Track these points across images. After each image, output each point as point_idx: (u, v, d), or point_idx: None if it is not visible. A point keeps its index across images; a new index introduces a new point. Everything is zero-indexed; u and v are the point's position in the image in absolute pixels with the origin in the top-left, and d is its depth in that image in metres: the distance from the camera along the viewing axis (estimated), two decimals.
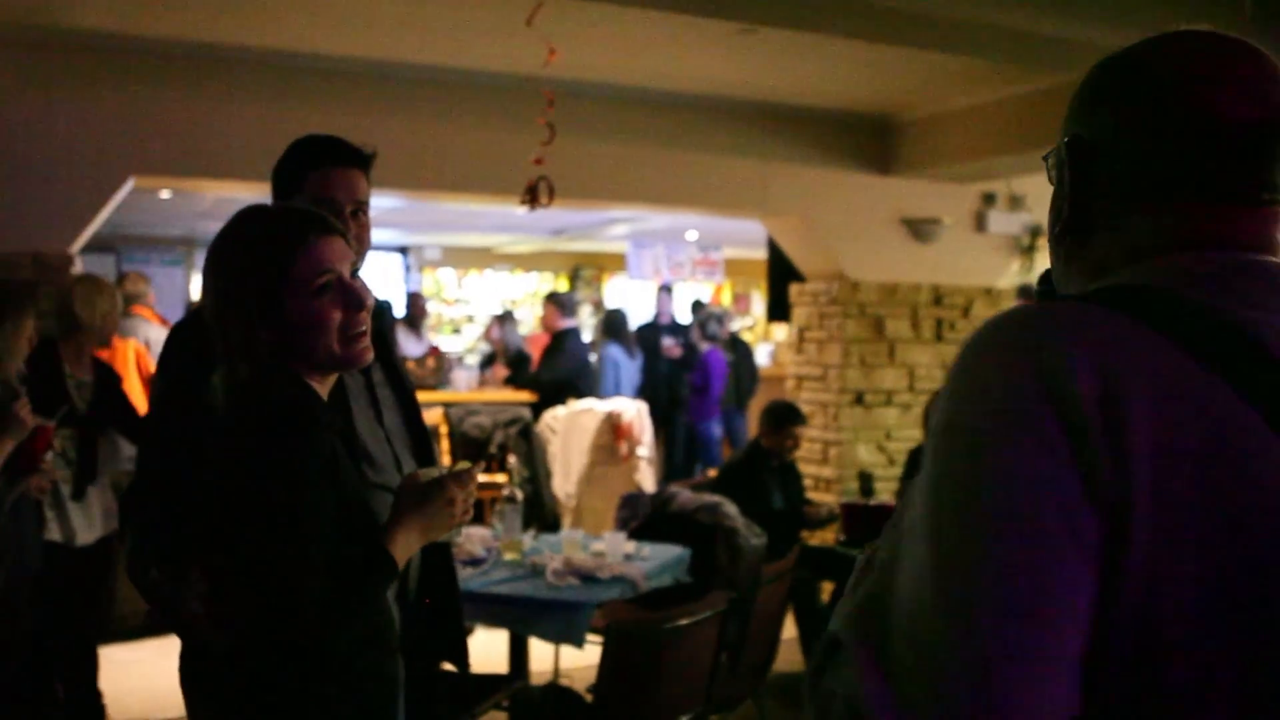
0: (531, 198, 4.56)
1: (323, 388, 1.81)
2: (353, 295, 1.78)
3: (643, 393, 9.22)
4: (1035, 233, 7.59)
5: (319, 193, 2.17)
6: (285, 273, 1.73)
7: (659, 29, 5.06)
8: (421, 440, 2.09)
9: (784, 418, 5.68)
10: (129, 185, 5.47)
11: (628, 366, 9.48)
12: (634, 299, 15.60)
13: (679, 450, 9.89)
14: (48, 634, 4.01)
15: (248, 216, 1.83)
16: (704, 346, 10.03)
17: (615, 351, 9.44)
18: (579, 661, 5.36)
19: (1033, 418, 0.85)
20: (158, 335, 6.91)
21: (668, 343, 10.17)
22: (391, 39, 5.34)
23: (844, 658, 0.93)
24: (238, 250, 1.76)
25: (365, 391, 2.20)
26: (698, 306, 11.38)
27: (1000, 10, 4.16)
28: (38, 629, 3.83)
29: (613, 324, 9.75)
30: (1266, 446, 0.86)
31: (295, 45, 5.44)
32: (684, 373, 9.94)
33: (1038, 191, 7.57)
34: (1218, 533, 0.84)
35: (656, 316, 10.63)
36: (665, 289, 10.99)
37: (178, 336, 2.27)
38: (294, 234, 1.76)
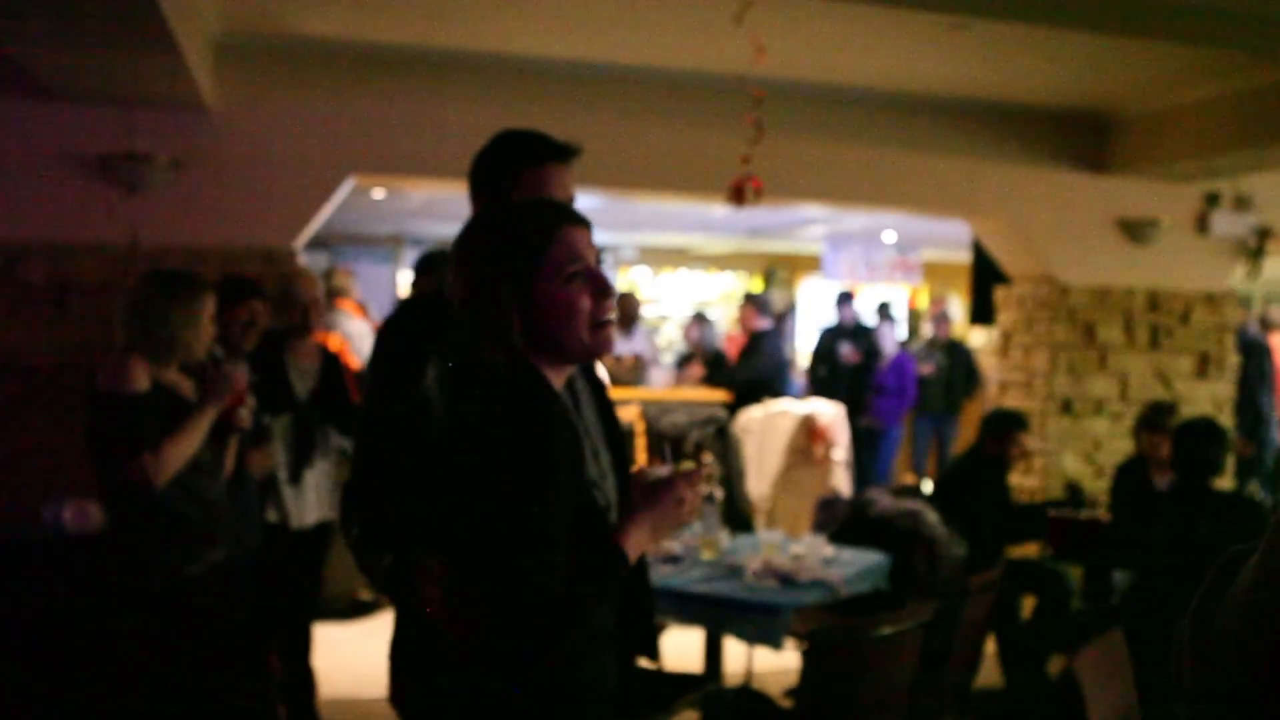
0: (738, 196, 4.54)
1: (558, 380, 1.84)
2: (602, 283, 1.81)
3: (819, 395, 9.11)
4: (1264, 235, 7.13)
5: (535, 190, 2.18)
6: (539, 261, 1.77)
7: (867, 25, 4.97)
8: (615, 436, 2.09)
9: (1009, 424, 5.48)
10: (349, 184, 5.71)
11: None
12: (828, 300, 15.43)
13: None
14: (266, 611, 4.20)
15: (499, 210, 1.88)
16: (893, 351, 9.83)
17: None
18: (773, 665, 5.32)
19: None
20: (360, 329, 7.20)
21: (845, 350, 10.01)
22: (598, 39, 5.41)
23: None
24: (493, 239, 1.80)
25: (564, 387, 2.22)
26: (884, 309, 11.17)
27: None
28: (257, 606, 4.01)
29: None
30: None
31: (503, 47, 5.58)
32: (866, 376, 9.76)
33: (1267, 191, 7.11)
34: None
35: (840, 322, 10.48)
36: (846, 296, 10.82)
37: (393, 329, 2.32)
38: (547, 224, 1.80)
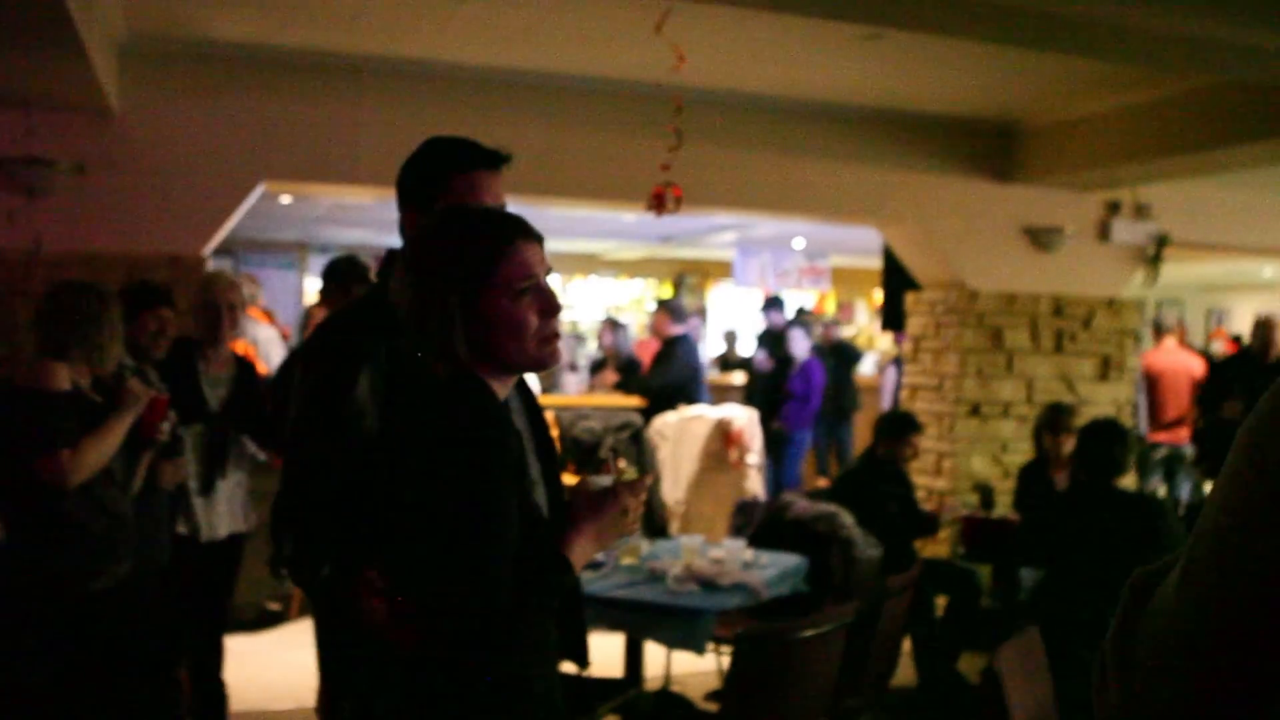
0: (658, 203, 4.55)
1: (502, 391, 1.82)
2: (551, 299, 1.81)
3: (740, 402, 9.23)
4: (1161, 242, 7.37)
5: (464, 196, 2.16)
6: (491, 274, 1.75)
7: (784, 35, 5.03)
8: (546, 445, 2.08)
9: (902, 427, 5.61)
10: (259, 190, 5.62)
11: None
12: (737, 306, 15.57)
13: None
14: (175, 626, 4.11)
15: (452, 219, 1.85)
16: (804, 356, 9.96)
17: None
18: (691, 669, 5.35)
19: None
20: (267, 335, 7.09)
21: (759, 357, 10.14)
22: (518, 46, 5.40)
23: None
24: (445, 249, 1.78)
25: None
26: (800, 314, 11.33)
27: (1134, 10, 4.04)
28: (165, 620, 3.91)
29: None
30: None
31: (422, 54, 5.53)
32: (781, 382, 9.89)
33: (1164, 200, 7.36)
34: None
35: (769, 329, 10.60)
36: (773, 303, 10.92)
37: (323, 339, 2.28)
38: (501, 237, 1.79)
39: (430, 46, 5.44)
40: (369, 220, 11.84)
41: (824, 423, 10.19)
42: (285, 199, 9.79)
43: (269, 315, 8.03)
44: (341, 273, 4.58)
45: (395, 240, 2.30)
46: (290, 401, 2.20)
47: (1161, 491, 6.52)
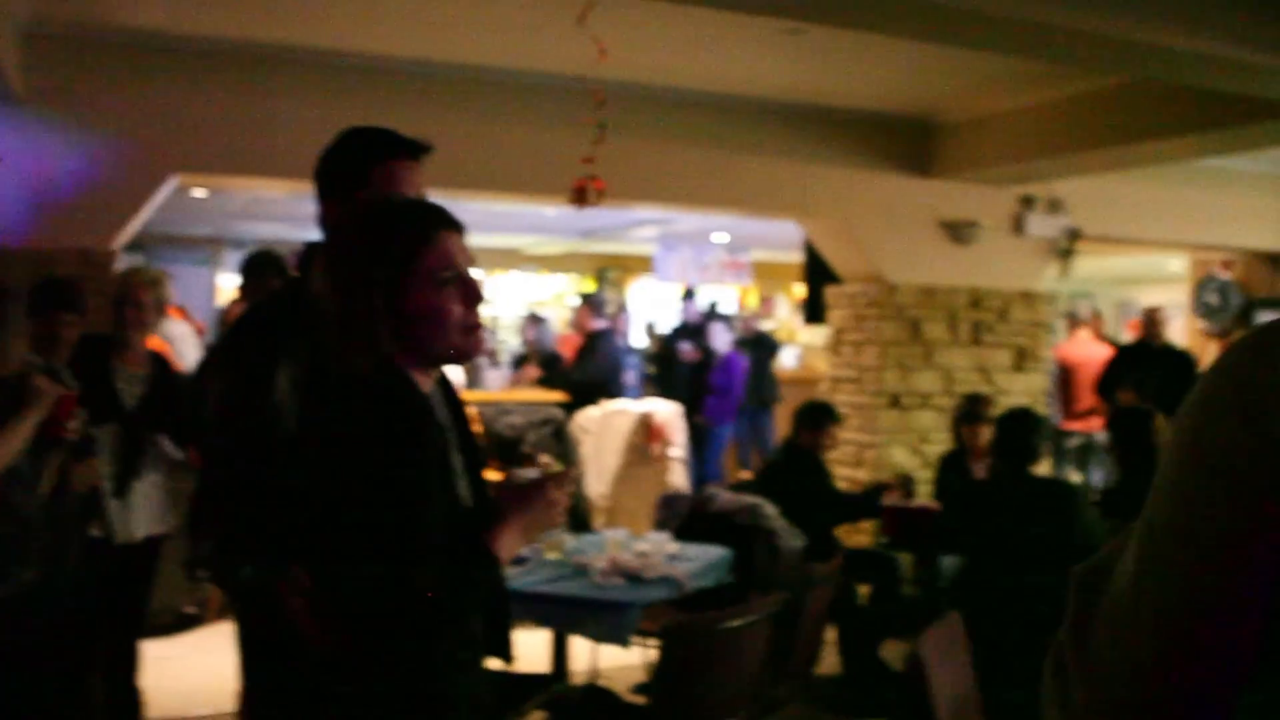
0: (580, 197, 4.53)
1: (425, 383, 1.80)
2: (474, 289, 1.79)
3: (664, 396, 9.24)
4: (1073, 236, 7.54)
5: (385, 187, 2.13)
6: (412, 265, 1.72)
7: (707, 28, 5.05)
8: (468, 437, 2.06)
9: (821, 417, 5.66)
10: (172, 183, 5.49)
11: None
12: (658, 301, 15.61)
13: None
14: (88, 631, 3.99)
15: (372, 209, 1.82)
16: (725, 349, 10.03)
17: None
18: (617, 662, 5.34)
19: (1237, 434, 0.92)
20: (180, 332, 6.95)
21: (685, 348, 10.18)
22: (439, 38, 5.34)
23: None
24: (366, 240, 1.75)
25: None
26: (713, 308, 11.43)
27: (1052, 8, 4.11)
28: (78, 626, 3.81)
29: None
30: None
31: (341, 44, 5.46)
32: (703, 375, 9.95)
33: (1076, 195, 7.52)
34: None
35: (684, 323, 10.65)
36: (688, 295, 11.01)
37: (240, 335, 2.24)
38: (423, 227, 1.76)
39: (349, 37, 5.36)
40: (285, 215, 11.65)
41: (745, 415, 10.27)
42: (199, 192, 9.59)
43: (183, 312, 7.86)
44: (259, 267, 4.50)
45: (313, 235, 2.26)
46: (208, 399, 2.15)
47: (1076, 478, 6.68)
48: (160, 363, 4.29)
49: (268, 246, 5.26)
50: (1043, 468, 7.56)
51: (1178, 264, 12.52)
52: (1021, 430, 4.65)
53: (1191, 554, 0.93)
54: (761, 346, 10.61)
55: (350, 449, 1.65)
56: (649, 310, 14.84)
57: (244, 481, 1.97)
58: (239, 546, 1.94)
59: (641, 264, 15.53)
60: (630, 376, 9.43)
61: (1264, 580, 0.91)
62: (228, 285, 13.63)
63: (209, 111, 5.46)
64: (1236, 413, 0.93)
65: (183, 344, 6.77)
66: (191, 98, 5.42)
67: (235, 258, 10.97)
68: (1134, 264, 14.47)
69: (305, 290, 1.88)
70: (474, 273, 1.82)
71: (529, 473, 1.90)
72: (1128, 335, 11.56)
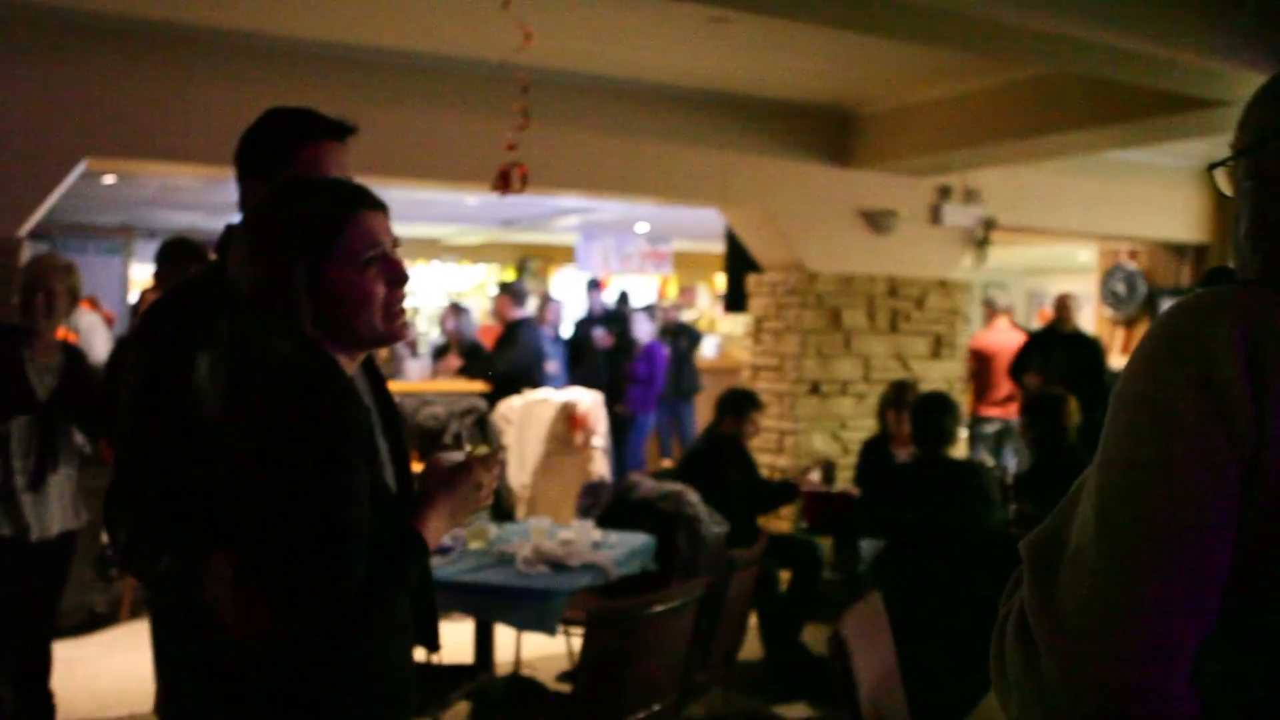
0: (504, 183, 4.51)
1: (350, 367, 1.77)
2: (397, 270, 1.76)
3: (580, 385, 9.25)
4: (988, 226, 7.68)
5: (311, 169, 2.09)
6: (333, 246, 1.69)
7: (632, 16, 5.05)
8: (393, 422, 2.04)
9: (744, 404, 5.71)
10: (81, 167, 5.34)
11: None
12: (580, 291, 15.60)
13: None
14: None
15: (291, 189, 1.78)
16: (647, 339, 10.07)
17: None
18: (541, 652, 5.35)
19: (1181, 382, 1.02)
20: (90, 322, 6.80)
21: (599, 334, 10.20)
22: (359, 21, 5.26)
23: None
24: (285, 221, 1.71)
25: None
26: (624, 298, 11.47)
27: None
28: None
29: None
30: None
31: (259, 26, 5.35)
32: (621, 363, 9.98)
33: (992, 186, 7.66)
34: None
35: (590, 311, 10.68)
36: (593, 284, 11.05)
37: (157, 320, 2.18)
38: (343, 206, 1.73)
39: (268, 19, 5.26)
40: (201, 203, 11.41)
41: (666, 404, 10.32)
42: (109, 178, 9.36)
43: (92, 302, 7.69)
44: (176, 254, 4.40)
45: (231, 222, 2.22)
46: (123, 386, 2.10)
47: (989, 462, 6.83)
48: (72, 353, 4.18)
49: (184, 234, 5.15)
50: (960, 452, 7.74)
51: (1086, 254, 12.82)
52: (934, 413, 4.75)
53: (1154, 501, 0.99)
54: (683, 336, 10.67)
55: (274, 432, 1.62)
56: (570, 301, 14.84)
57: (162, 468, 1.93)
58: (156, 535, 1.89)
59: (563, 254, 15.50)
60: (554, 366, 9.43)
61: (1223, 517, 0.99)
62: (141, 275, 13.32)
63: (120, 94, 5.31)
64: (1185, 368, 1.02)
65: (92, 335, 6.63)
66: (102, 79, 5.26)
67: (148, 247, 10.72)
68: (1045, 254, 14.80)
69: (224, 273, 1.84)
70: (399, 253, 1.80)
71: (454, 455, 1.89)
72: (1038, 324, 11.82)
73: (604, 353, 10.15)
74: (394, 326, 1.77)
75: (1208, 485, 0.99)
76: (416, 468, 1.94)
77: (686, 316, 12.12)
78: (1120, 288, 9.50)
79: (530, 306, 10.41)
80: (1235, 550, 1.00)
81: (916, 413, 4.89)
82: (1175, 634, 0.98)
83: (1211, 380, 1.01)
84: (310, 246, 1.69)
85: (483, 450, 1.89)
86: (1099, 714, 0.98)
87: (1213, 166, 1.28)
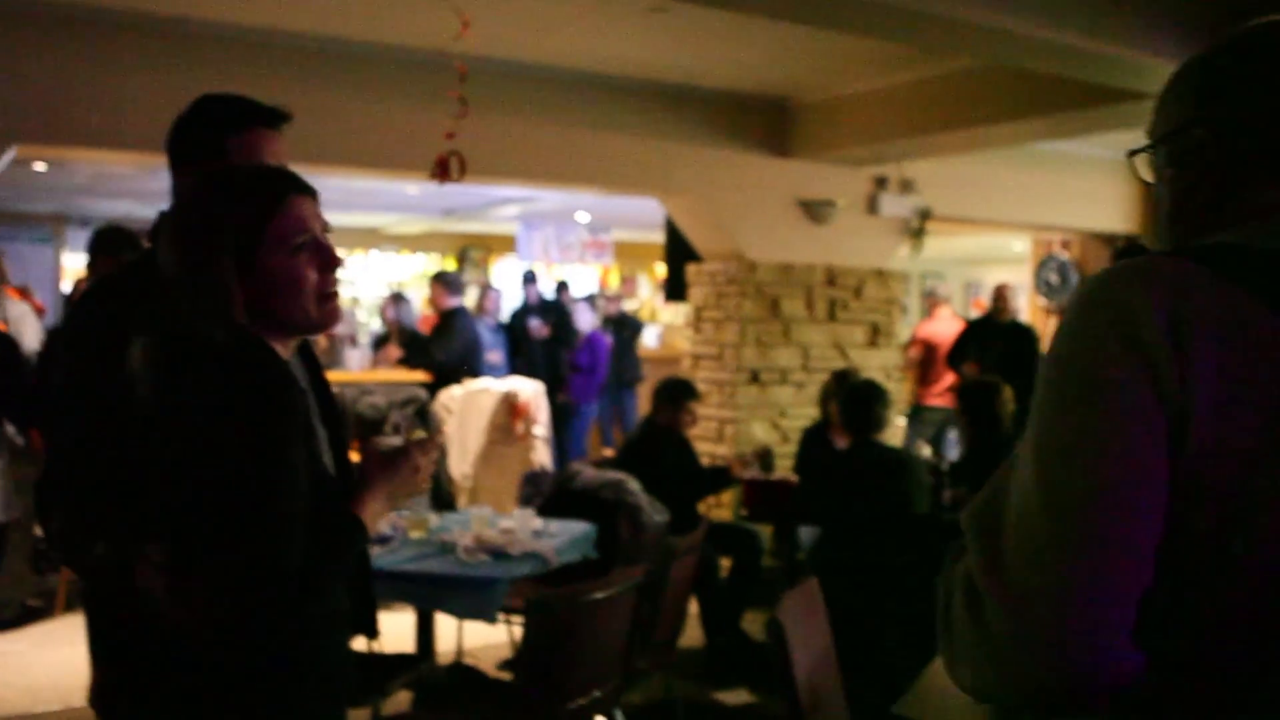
0: (443, 172, 4.50)
1: (285, 352, 1.77)
2: (328, 255, 1.76)
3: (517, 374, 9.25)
4: (924, 216, 7.78)
5: (243, 157, 2.08)
6: (263, 231, 1.69)
7: (571, 4, 5.05)
8: (331, 408, 2.04)
9: (680, 394, 5.74)
10: (11, 154, 5.24)
11: None
12: (518, 281, 15.57)
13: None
14: None
15: (219, 175, 1.77)
16: (589, 328, 10.09)
17: None
18: (483, 641, 5.36)
19: (1112, 346, 1.07)
20: (18, 311, 6.68)
21: (534, 324, 10.21)
22: (297, 7, 5.21)
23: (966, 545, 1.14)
24: (214, 208, 1.70)
25: None
26: (562, 288, 11.48)
27: None
28: None
29: None
30: None
31: (194, 13, 5.27)
32: (560, 353, 9.99)
33: (927, 176, 7.76)
34: (1265, 420, 1.05)
35: (526, 302, 10.69)
36: (531, 275, 11.06)
37: (89, 307, 2.17)
38: (272, 192, 1.72)
39: (202, 6, 5.19)
40: (134, 191, 11.24)
41: (608, 394, 10.35)
42: (39, 166, 9.20)
43: (22, 291, 7.55)
44: (109, 242, 4.35)
45: (166, 209, 2.20)
46: (55, 373, 2.08)
47: (927, 450, 6.93)
48: (3, 342, 4.12)
49: (118, 223, 5.07)
50: (899, 439, 7.85)
51: (1021, 245, 13.03)
52: (864, 403, 4.82)
53: (1092, 456, 1.04)
54: (625, 326, 10.71)
55: (210, 419, 1.61)
56: (510, 291, 14.81)
57: (95, 456, 1.92)
58: (91, 523, 1.88)
59: (504, 243, 15.45)
60: (496, 355, 9.42)
61: (1160, 473, 1.04)
62: (73, 265, 13.10)
63: (49, 80, 5.21)
64: (1112, 329, 1.07)
65: (22, 324, 6.50)
66: (32, 64, 5.16)
67: (81, 236, 10.54)
68: (980, 244, 15.00)
69: (156, 261, 1.83)
70: (330, 239, 1.80)
71: (393, 440, 1.89)
72: (975, 313, 12.01)
73: (541, 342, 10.15)
74: (327, 311, 1.77)
75: (1143, 439, 1.04)
76: (355, 458, 1.94)
77: (628, 306, 12.15)
78: (1053, 277, 9.68)
79: (473, 295, 10.40)
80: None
81: (847, 402, 4.96)
82: (1121, 585, 1.03)
83: (1138, 340, 1.05)
84: (239, 234, 1.68)
85: (420, 435, 1.90)
86: (1052, 666, 1.03)
87: (1132, 153, 1.32)
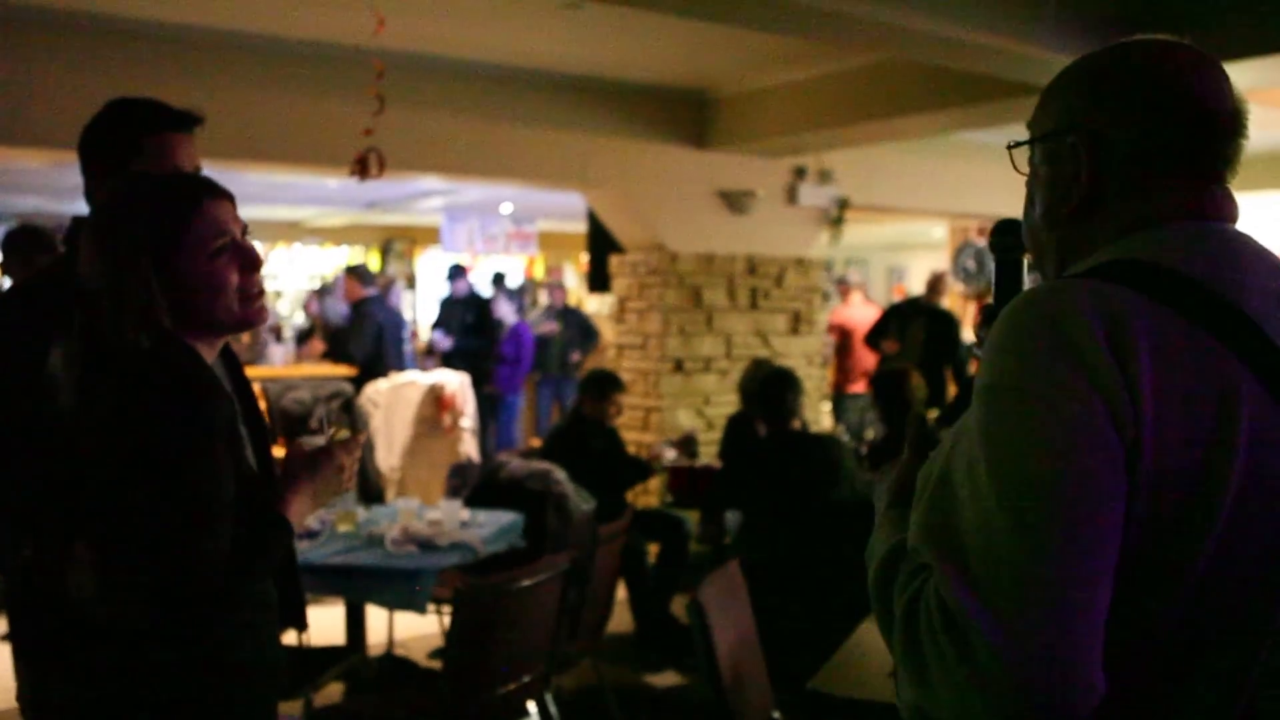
0: (361, 169, 4.51)
1: (209, 354, 1.81)
2: (250, 255, 1.79)
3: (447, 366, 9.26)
4: (842, 205, 7.92)
5: (156, 160, 2.10)
6: (180, 239, 1.72)
7: (487, 0, 5.07)
8: (253, 410, 2.07)
9: (605, 385, 5.82)
10: None
11: None
12: (444, 272, 15.50)
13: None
14: None
15: (134, 183, 1.80)
16: (512, 320, 10.13)
17: None
18: (414, 631, 5.39)
19: (1064, 374, 1.09)
20: None
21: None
22: (211, 3, 5.17)
23: (926, 572, 1.14)
24: (131, 217, 1.73)
25: None
26: (499, 279, 11.48)
27: None
28: None
29: None
30: (1238, 374, 1.11)
31: (103, 8, 5.20)
32: (488, 345, 10.00)
33: (845, 166, 7.90)
34: (1204, 432, 1.09)
35: (452, 294, 10.67)
36: (458, 270, 11.06)
37: (6, 314, 2.18)
38: (187, 197, 1.75)
39: (115, 1, 5.13)
40: (43, 186, 10.99)
41: (549, 384, 10.40)
42: None
43: None
44: (23, 243, 4.30)
45: (77, 208, 2.22)
46: None
47: (846, 437, 7.08)
48: None
49: (25, 221, 5.01)
50: (826, 427, 7.99)
51: (940, 231, 13.29)
52: (777, 389, 4.93)
53: (1063, 490, 1.06)
54: (571, 317, 10.76)
55: (134, 423, 1.65)
56: (437, 282, 14.73)
57: (18, 461, 1.94)
58: (17, 526, 1.90)
59: (428, 235, 15.37)
60: (444, 340, 9.44)
61: (1120, 501, 1.07)
62: None
63: None
64: (1061, 358, 1.09)
65: None
66: None
67: None
68: (901, 231, 15.26)
69: (75, 266, 1.86)
70: (251, 240, 1.84)
71: (316, 439, 1.94)
72: (896, 298, 12.23)
73: (463, 333, 10.12)
74: (251, 311, 1.81)
75: (1105, 467, 1.07)
76: (279, 453, 1.98)
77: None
78: (970, 264, 9.92)
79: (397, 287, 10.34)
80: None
81: (761, 391, 5.06)
82: (1099, 614, 1.06)
83: (1088, 366, 1.07)
84: (157, 242, 1.71)
85: (344, 434, 1.95)
86: (1051, 695, 1.04)
87: (1012, 146, 1.37)
